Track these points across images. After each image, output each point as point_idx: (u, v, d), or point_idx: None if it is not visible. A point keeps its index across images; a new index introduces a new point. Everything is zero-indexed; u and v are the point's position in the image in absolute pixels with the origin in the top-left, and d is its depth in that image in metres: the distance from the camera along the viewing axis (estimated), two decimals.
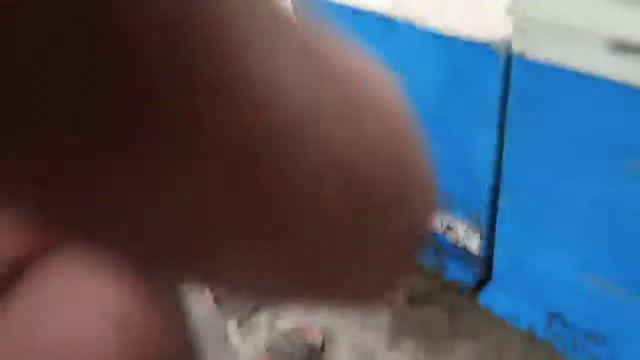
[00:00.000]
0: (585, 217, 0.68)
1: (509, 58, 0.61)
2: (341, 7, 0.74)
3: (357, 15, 0.74)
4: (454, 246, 0.88)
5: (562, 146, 0.63)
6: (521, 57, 0.58)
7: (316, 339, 0.85)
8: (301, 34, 0.10)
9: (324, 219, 0.10)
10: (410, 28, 0.68)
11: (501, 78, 0.63)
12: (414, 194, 0.13)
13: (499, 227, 0.82)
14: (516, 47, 0.58)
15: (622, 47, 0.47)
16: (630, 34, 0.46)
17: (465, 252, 0.89)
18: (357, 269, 0.12)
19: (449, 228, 0.88)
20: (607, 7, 0.46)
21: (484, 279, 0.91)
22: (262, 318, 0.90)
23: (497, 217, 0.80)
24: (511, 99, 0.63)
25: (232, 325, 0.88)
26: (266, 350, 0.85)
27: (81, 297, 0.11)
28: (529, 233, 0.78)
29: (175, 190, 0.08)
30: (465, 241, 0.88)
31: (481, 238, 0.86)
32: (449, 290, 0.92)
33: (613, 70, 0.50)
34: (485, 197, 0.79)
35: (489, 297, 0.91)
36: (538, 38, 0.54)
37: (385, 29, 0.71)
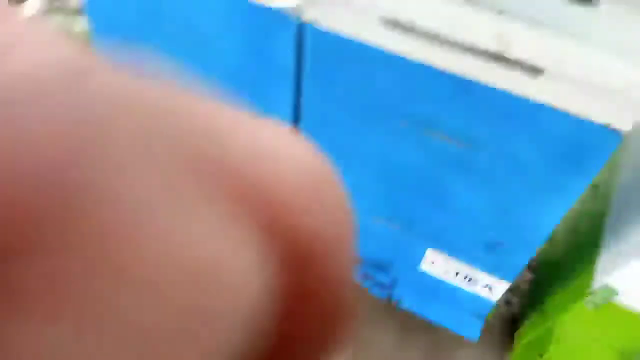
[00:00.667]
0: (370, 168, 0.79)
1: (301, 26, 0.66)
2: None
3: None
4: None
5: (351, 108, 0.71)
6: (313, 26, 0.64)
7: None
8: None
9: None
10: None
11: (294, 45, 0.69)
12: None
13: None
14: (308, 16, 0.64)
15: (396, 25, 0.59)
16: (402, 15, 0.57)
17: None
18: None
19: None
20: None
21: None
22: None
23: None
24: (305, 65, 0.70)
25: None
26: None
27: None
28: None
29: None
30: None
31: None
32: None
33: (390, 44, 0.60)
34: None
35: None
36: (326, 9, 0.62)
37: None
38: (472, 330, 1.00)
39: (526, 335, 0.99)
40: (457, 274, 0.89)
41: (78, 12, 1.21)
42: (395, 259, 0.93)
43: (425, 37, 0.59)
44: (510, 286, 0.90)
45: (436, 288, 0.94)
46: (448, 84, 0.62)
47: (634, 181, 0.74)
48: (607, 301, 0.75)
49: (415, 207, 0.81)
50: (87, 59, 0.07)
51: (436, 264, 0.89)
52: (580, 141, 0.58)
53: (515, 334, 1.05)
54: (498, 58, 0.57)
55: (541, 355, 0.91)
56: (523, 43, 0.55)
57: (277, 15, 0.68)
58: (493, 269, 0.85)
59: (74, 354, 0.06)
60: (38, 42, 0.07)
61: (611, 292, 0.74)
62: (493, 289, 0.89)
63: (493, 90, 0.60)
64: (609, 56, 0.50)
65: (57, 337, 0.06)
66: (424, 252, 0.88)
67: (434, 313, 1.01)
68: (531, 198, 0.68)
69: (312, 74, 0.72)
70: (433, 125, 0.68)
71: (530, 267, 1.12)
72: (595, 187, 0.89)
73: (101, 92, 0.06)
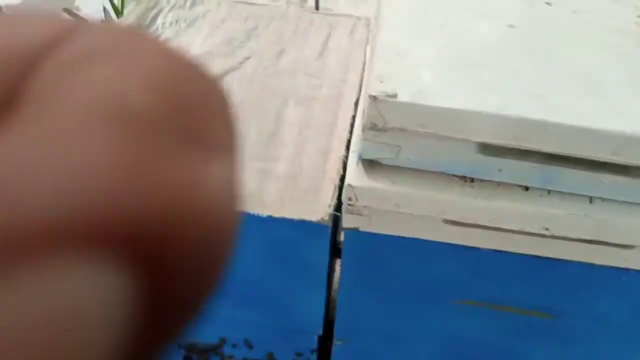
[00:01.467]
0: (431, 346, 0.72)
1: (337, 231, 0.60)
2: None
3: None
4: None
5: (398, 298, 0.66)
6: (353, 231, 0.58)
7: None
8: None
9: None
10: None
11: (330, 249, 0.63)
12: None
13: None
14: (349, 225, 0.58)
15: (455, 223, 0.59)
16: (460, 215, 0.56)
17: None
18: None
19: None
20: (443, 194, 0.57)
21: None
22: None
23: None
24: (343, 266, 0.64)
25: None
26: None
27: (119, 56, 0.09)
28: None
29: None
30: None
31: None
32: None
33: (447, 238, 0.56)
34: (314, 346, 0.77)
35: None
36: (376, 221, 0.56)
37: None
38: None
39: None
40: None
41: None
42: None
43: (498, 230, 0.54)
44: None
45: None
46: (520, 265, 0.58)
47: None
48: None
49: None
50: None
51: None
52: None
53: None
54: (587, 242, 0.53)
55: None
56: (613, 226, 0.51)
57: (311, 227, 0.61)
58: None
59: None
60: None
61: None
62: None
63: (575, 265, 0.56)
64: None
65: None
66: None
67: None
68: (624, 353, 0.64)
69: (349, 275, 0.66)
70: (503, 301, 0.63)
71: None
72: None
73: None
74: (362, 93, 0.65)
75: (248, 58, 0.84)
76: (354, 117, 0.76)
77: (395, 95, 0.45)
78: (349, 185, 0.53)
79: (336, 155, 0.70)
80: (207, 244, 0.08)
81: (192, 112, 0.09)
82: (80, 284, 0.07)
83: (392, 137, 0.49)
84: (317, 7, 1.53)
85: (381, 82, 0.47)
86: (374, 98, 0.46)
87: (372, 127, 0.48)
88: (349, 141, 0.72)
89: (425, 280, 0.63)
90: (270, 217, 0.62)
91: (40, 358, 0.06)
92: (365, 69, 0.73)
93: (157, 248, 0.07)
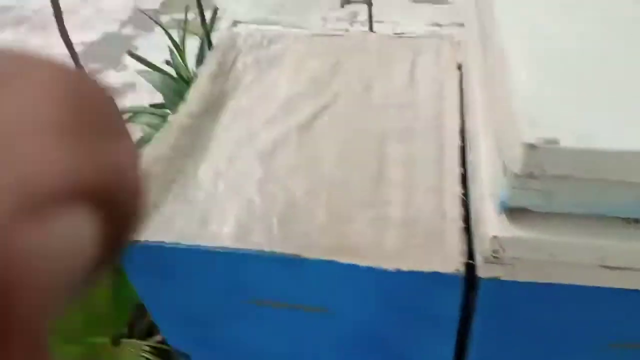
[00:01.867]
0: None
1: (474, 282, 0.56)
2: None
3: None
4: None
5: (541, 342, 0.62)
6: (493, 280, 0.53)
7: None
8: None
9: None
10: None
11: (462, 301, 0.59)
12: None
13: None
14: (488, 274, 0.53)
15: (617, 268, 0.54)
16: (623, 260, 0.52)
17: None
18: None
19: None
20: (604, 239, 0.52)
21: None
22: None
23: None
24: (478, 314, 0.60)
25: None
26: None
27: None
28: None
29: None
30: None
31: None
32: None
33: (604, 282, 0.54)
34: None
35: None
36: (520, 270, 0.51)
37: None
38: None
39: None
40: None
41: None
42: None
43: None
44: None
45: None
46: None
47: None
48: None
49: None
50: None
51: None
52: None
53: None
54: None
55: None
56: None
57: (443, 278, 0.57)
58: None
59: None
60: None
61: None
62: None
63: None
64: None
65: None
66: None
67: None
68: None
69: (484, 323, 0.61)
70: None
71: None
72: None
73: None
74: (486, 129, 0.61)
75: (337, 95, 0.81)
76: (461, 148, 0.72)
77: (556, 141, 0.41)
78: (494, 237, 0.49)
79: (451, 193, 0.65)
80: (135, 190, 0.14)
81: (97, 108, 0.14)
82: (76, 225, 0.12)
83: (546, 184, 0.44)
84: (370, 26, 1.49)
85: (533, 126, 0.42)
86: (532, 146, 0.41)
87: (527, 176, 0.44)
88: (462, 176, 0.67)
89: (575, 325, 0.57)
90: (398, 271, 0.58)
91: (61, 277, 0.12)
92: (475, 101, 0.68)
93: (113, 199, 0.13)
